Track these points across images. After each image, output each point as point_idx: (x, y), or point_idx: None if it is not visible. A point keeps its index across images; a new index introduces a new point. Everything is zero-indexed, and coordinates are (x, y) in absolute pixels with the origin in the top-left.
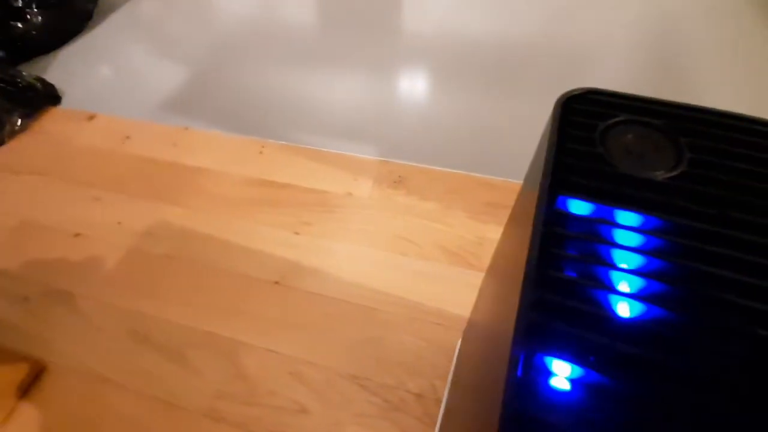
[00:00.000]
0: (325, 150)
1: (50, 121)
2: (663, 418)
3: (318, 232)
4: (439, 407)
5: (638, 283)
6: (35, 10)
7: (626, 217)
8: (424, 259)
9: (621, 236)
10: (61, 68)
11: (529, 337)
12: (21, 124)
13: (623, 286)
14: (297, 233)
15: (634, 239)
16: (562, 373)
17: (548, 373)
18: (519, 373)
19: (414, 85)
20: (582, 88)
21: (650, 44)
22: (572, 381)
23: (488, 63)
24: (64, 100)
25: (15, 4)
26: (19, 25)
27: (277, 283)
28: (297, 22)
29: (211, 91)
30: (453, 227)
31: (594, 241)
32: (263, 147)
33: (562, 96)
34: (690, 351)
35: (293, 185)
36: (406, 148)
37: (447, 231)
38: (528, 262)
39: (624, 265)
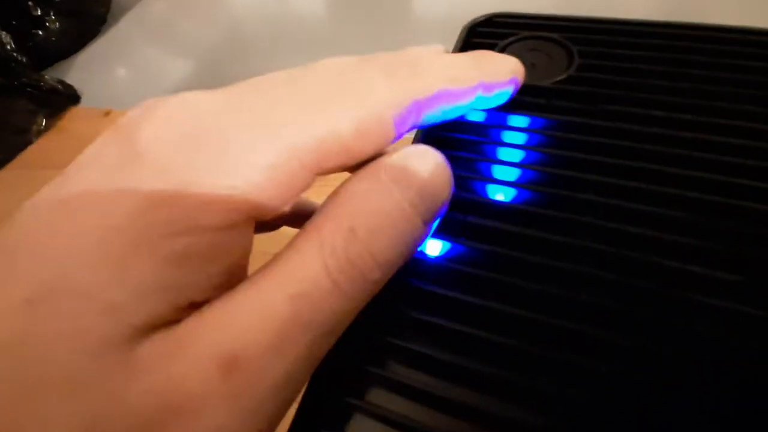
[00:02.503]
0: None
1: (71, 120)
2: (520, 277)
3: None
4: None
5: (516, 173)
6: (53, 17)
7: (512, 120)
8: None
9: (506, 136)
10: (79, 70)
11: None
12: (45, 124)
13: (502, 176)
14: None
15: (518, 138)
16: (433, 252)
17: (419, 253)
18: None
19: None
20: (487, 14)
21: None
22: (442, 256)
23: None
24: (83, 100)
25: (34, 13)
26: (40, 32)
27: None
28: (305, 11)
29: (221, 84)
30: None
31: (481, 143)
32: None
33: (468, 23)
34: (553, 223)
35: None
36: None
37: None
38: None
39: (506, 160)
